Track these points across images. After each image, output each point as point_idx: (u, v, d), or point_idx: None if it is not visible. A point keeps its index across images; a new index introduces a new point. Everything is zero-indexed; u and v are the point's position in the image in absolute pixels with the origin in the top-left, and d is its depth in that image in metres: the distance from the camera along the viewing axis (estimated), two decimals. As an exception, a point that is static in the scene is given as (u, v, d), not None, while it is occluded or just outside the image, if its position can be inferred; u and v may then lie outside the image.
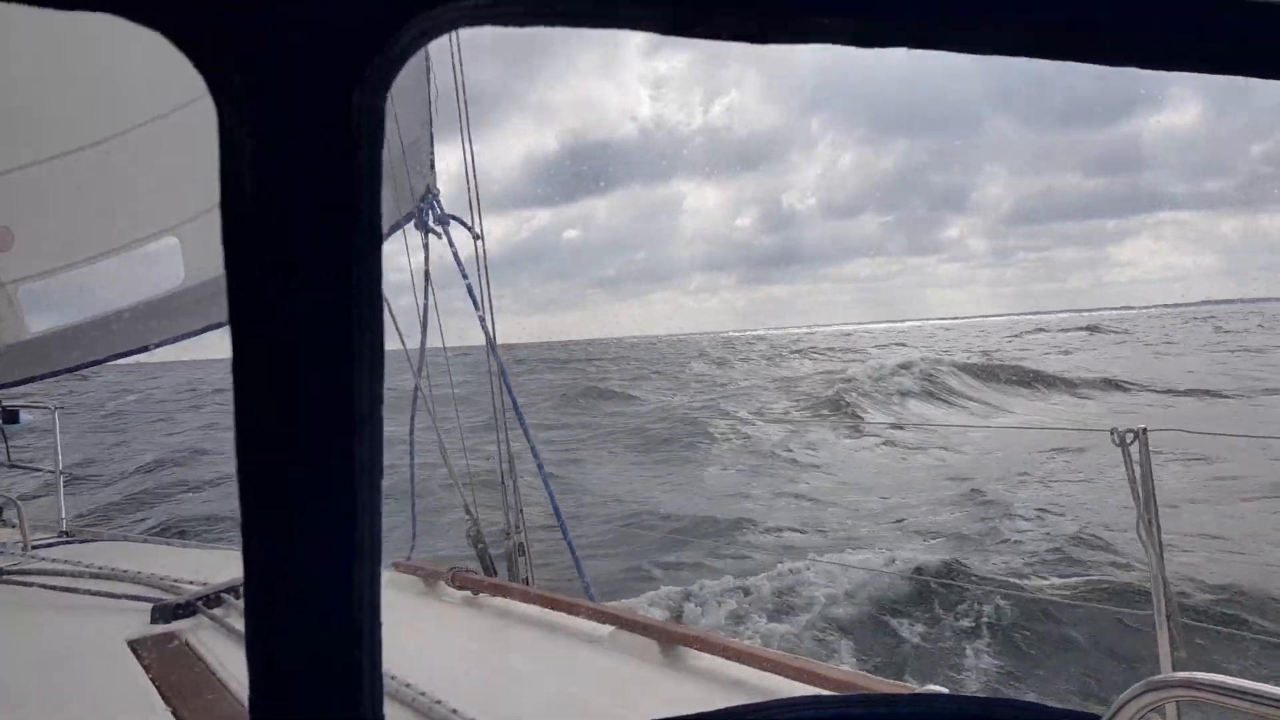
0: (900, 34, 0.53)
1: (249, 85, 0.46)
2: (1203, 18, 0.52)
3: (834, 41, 0.54)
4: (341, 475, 0.51)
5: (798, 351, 56.35)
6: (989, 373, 29.93)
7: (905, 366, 30.27)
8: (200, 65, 0.46)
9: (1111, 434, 3.01)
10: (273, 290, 0.49)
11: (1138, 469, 2.94)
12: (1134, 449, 2.94)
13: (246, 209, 0.48)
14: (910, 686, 2.33)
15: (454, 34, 3.30)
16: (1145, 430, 2.96)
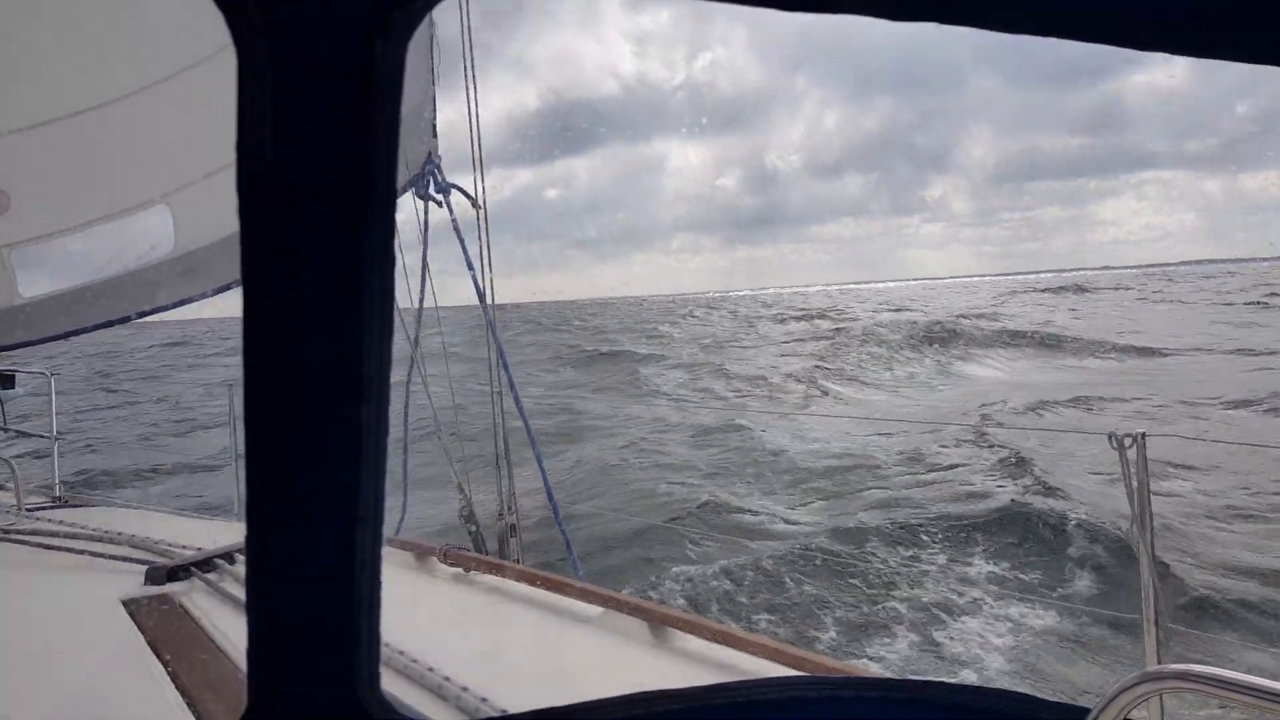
0: (933, 8, 0.51)
1: (272, 28, 0.44)
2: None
3: (866, 13, 0.53)
4: (348, 437, 0.50)
5: (803, 316, 50.83)
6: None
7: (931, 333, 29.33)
8: (224, 6, 0.45)
9: (1110, 438, 3.02)
10: (286, 244, 0.47)
11: (1134, 472, 2.95)
12: (1131, 453, 2.95)
13: (263, 158, 0.46)
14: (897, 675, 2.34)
15: None
16: (1144, 435, 2.97)
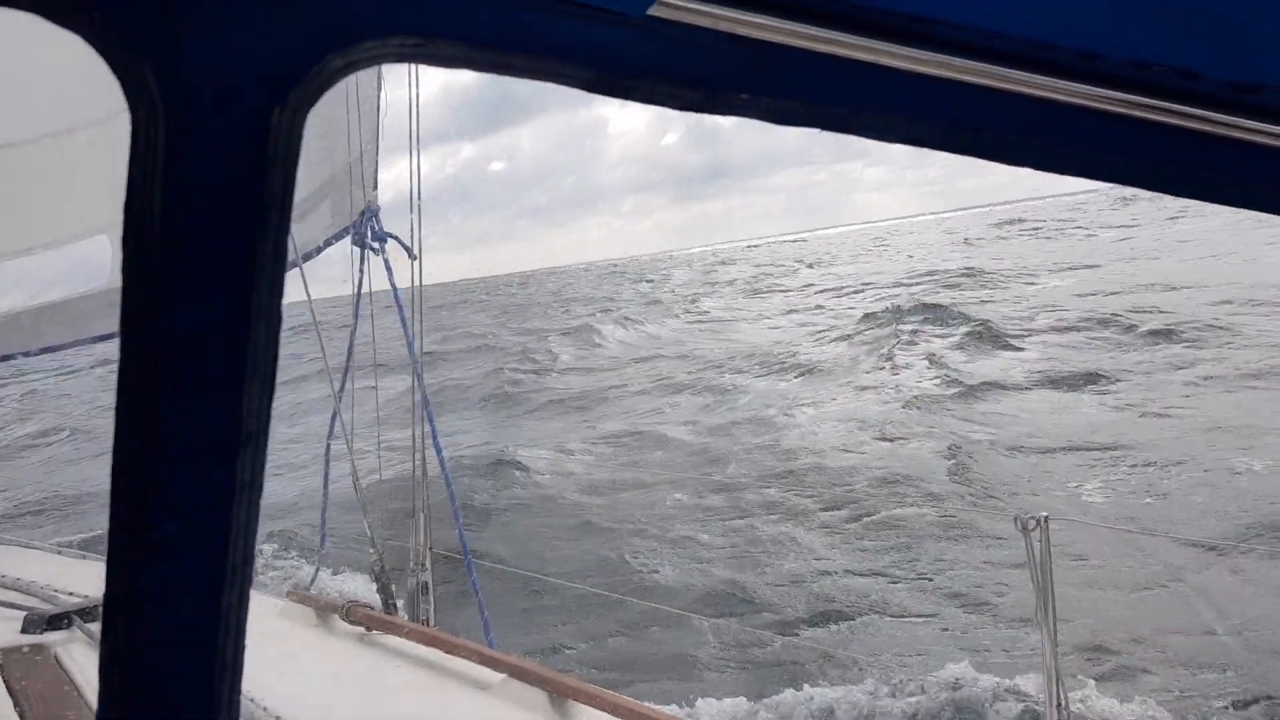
0: (810, 117, 0.56)
1: (167, 96, 0.45)
2: (1103, 136, 0.56)
3: (756, 118, 0.58)
4: (221, 492, 0.50)
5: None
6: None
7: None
8: (118, 71, 0.46)
9: (1015, 520, 3.08)
10: (170, 301, 0.48)
11: (1038, 556, 2.99)
12: (1035, 535, 2.99)
13: (151, 219, 0.47)
14: None
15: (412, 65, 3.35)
16: (1046, 518, 3.03)
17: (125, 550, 0.49)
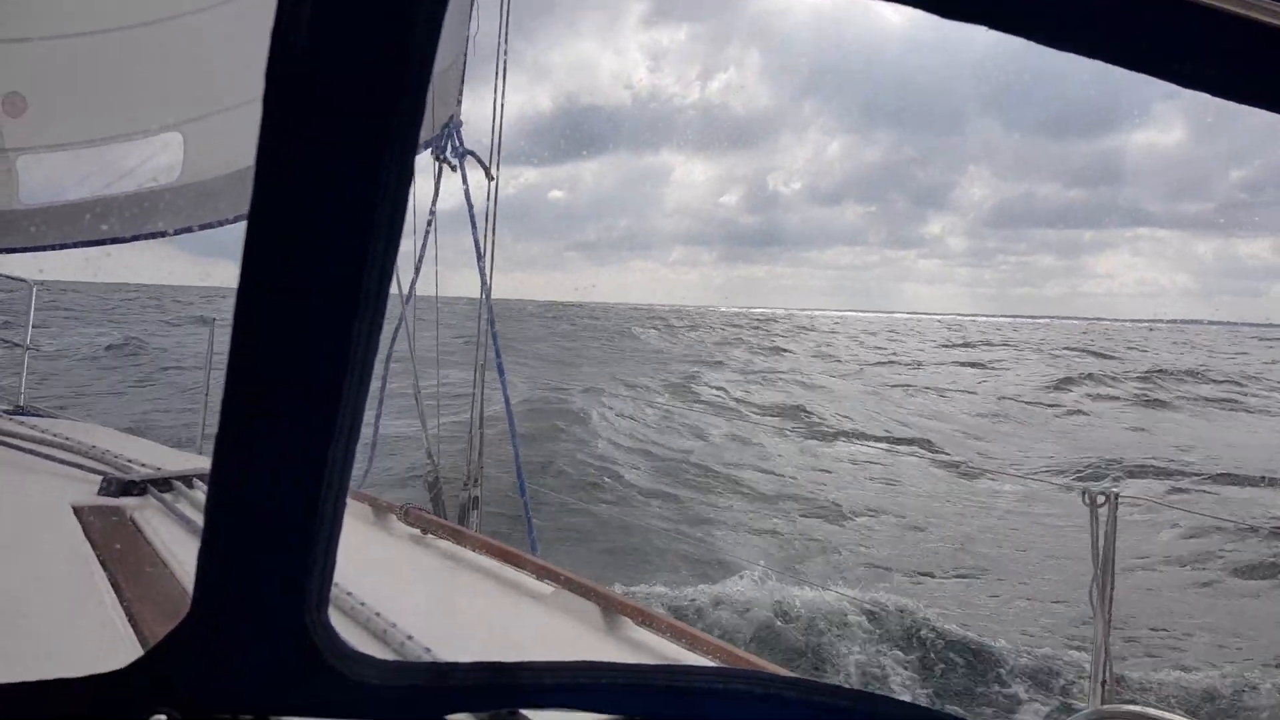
0: (974, 11, 0.52)
1: None
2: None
3: (918, 6, 0.53)
4: (336, 349, 0.49)
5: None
6: None
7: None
8: None
9: (1083, 494, 3.03)
10: (304, 153, 0.47)
11: (1103, 531, 2.95)
12: (1103, 511, 2.95)
13: (295, 69, 0.46)
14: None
15: None
16: (1117, 495, 2.98)
17: (241, 406, 0.49)
